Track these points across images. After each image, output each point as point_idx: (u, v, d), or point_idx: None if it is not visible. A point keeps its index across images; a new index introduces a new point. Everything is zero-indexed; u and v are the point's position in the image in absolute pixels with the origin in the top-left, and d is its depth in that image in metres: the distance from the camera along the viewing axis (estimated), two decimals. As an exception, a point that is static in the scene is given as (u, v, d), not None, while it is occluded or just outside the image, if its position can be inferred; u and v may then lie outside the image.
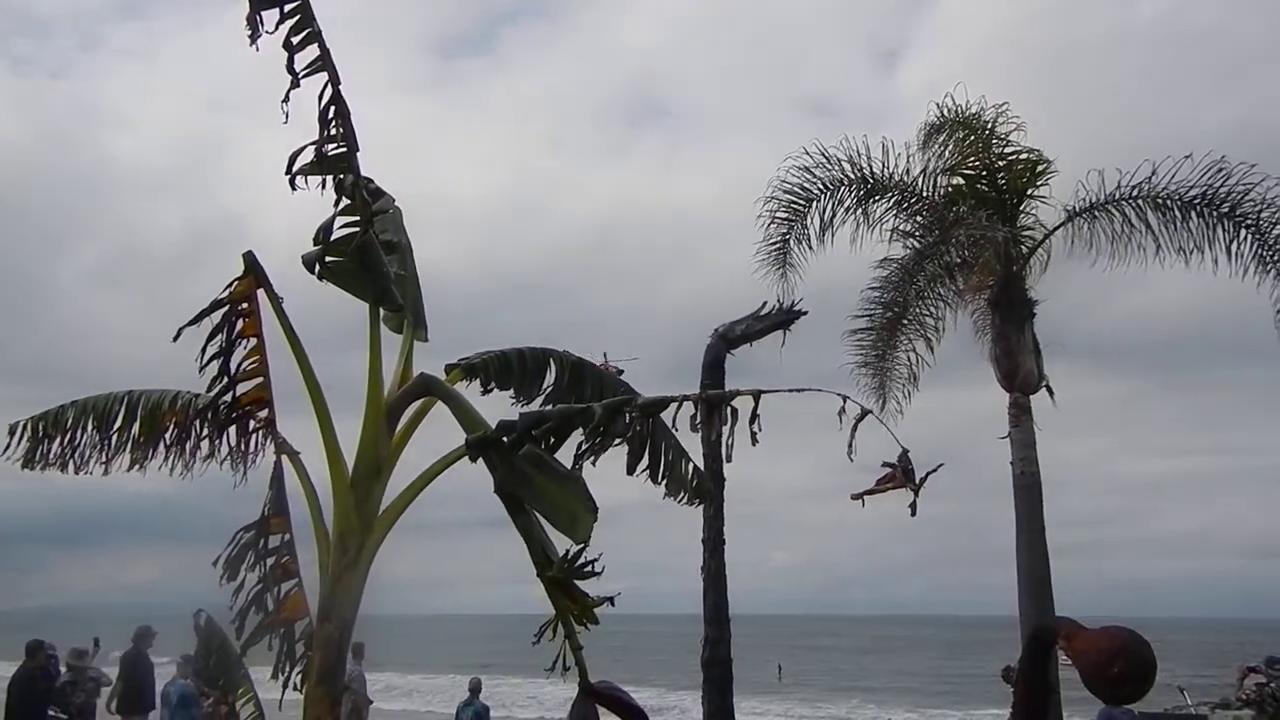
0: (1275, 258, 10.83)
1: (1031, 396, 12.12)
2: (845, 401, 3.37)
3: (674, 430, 4.39)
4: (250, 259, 4.06)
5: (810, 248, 12.19)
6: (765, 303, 9.09)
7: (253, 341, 4.16)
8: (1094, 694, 3.40)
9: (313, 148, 3.52)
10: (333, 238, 3.84)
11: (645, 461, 4.43)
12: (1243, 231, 10.87)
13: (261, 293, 4.15)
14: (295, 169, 3.53)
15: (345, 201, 3.83)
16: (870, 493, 11.32)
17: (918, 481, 10.63)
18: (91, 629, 14.09)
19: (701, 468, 5.17)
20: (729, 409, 3.56)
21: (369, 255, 3.84)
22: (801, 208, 12.27)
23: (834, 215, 12.26)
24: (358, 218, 3.86)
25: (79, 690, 11.77)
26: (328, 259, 3.89)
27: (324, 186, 3.66)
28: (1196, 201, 10.94)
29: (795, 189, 12.18)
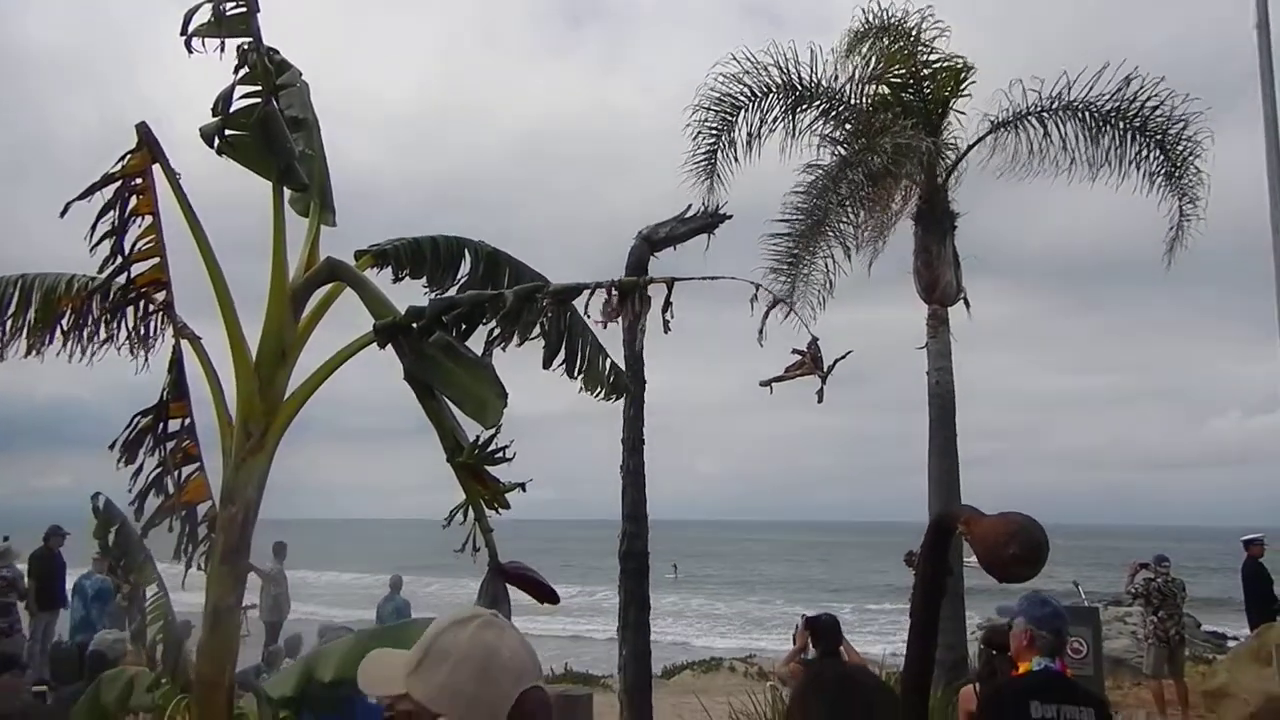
0: (1177, 174, 11.14)
1: (950, 309, 12.40)
2: (758, 289, 3.38)
3: (592, 326, 4.38)
4: (144, 130, 3.84)
5: (737, 159, 12.11)
6: (690, 205, 9.03)
7: (147, 219, 3.97)
8: (990, 575, 3.56)
9: (209, 5, 3.30)
10: (232, 109, 3.64)
11: (562, 355, 4.39)
12: (1151, 145, 11.14)
13: (157, 168, 3.95)
14: (191, 29, 3.32)
15: (246, 71, 3.63)
16: (779, 379, 11.52)
17: (826, 369, 10.84)
18: (4, 531, 13.80)
19: (621, 367, 5.17)
20: (641, 296, 3.54)
21: (272, 129, 3.66)
22: (729, 116, 12.13)
23: (762, 124, 12.16)
24: (259, 87, 3.66)
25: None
26: (227, 132, 3.70)
27: (223, 50, 3.46)
28: (1111, 115, 11.14)
29: (723, 96, 12.02)
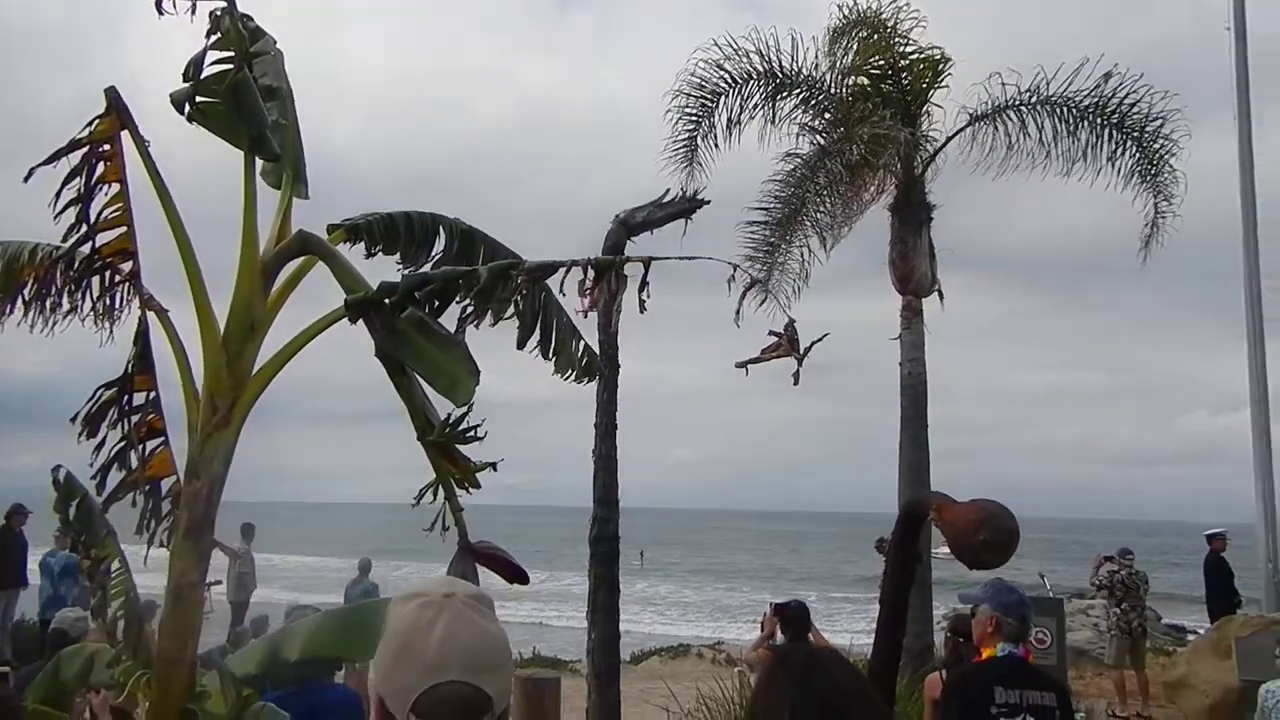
0: (1154, 172, 11.25)
1: (924, 301, 12.47)
2: (735, 270, 3.36)
3: (569, 310, 4.34)
4: (113, 95, 3.74)
5: (717, 145, 12.09)
6: (668, 190, 8.99)
7: (115, 187, 3.86)
8: (961, 561, 3.57)
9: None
10: (204, 75, 3.56)
11: (536, 336, 4.34)
12: (1128, 142, 11.23)
13: (126, 135, 3.85)
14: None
15: (218, 36, 3.55)
16: (755, 361, 11.57)
17: (802, 351, 10.88)
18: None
19: (595, 349, 5.14)
20: (617, 275, 3.50)
21: (244, 96, 3.57)
22: (710, 102, 12.11)
23: (742, 111, 12.15)
24: (232, 53, 3.58)
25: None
26: (198, 99, 3.62)
27: (194, 11, 3.38)
28: (1090, 111, 11.23)
29: (704, 82, 12.00)
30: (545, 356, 4.50)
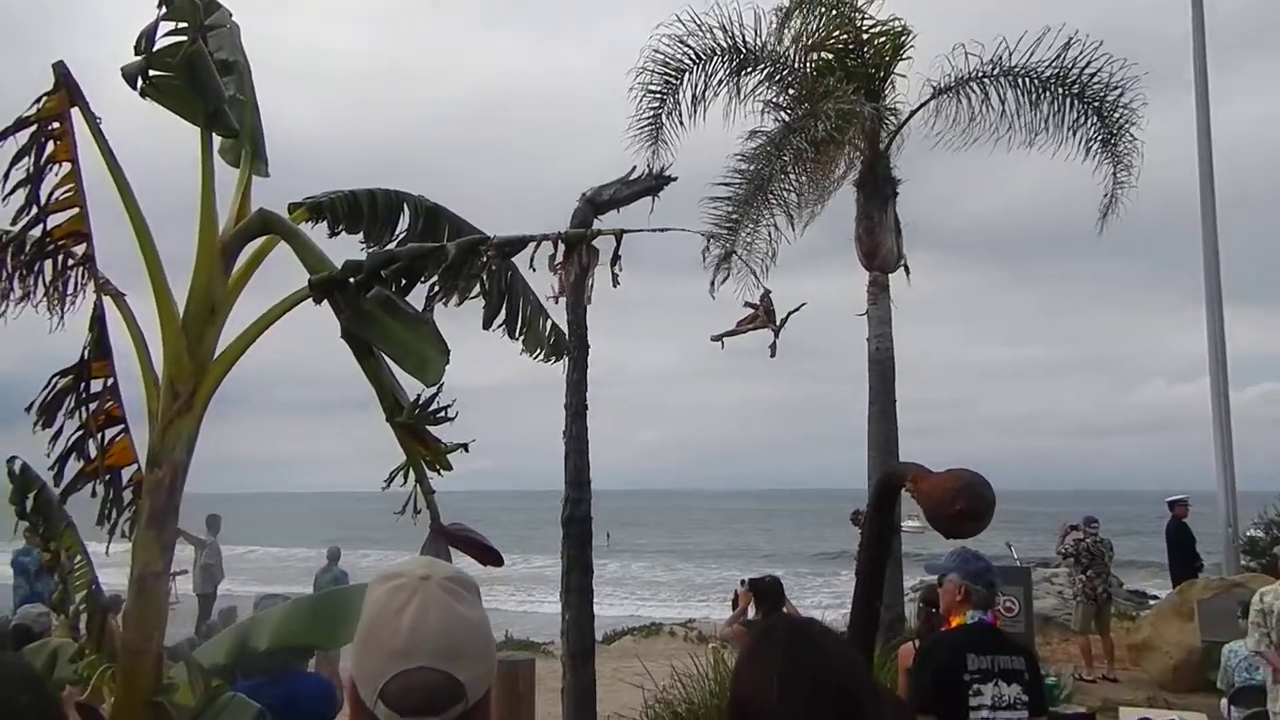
0: (1113, 141, 11.36)
1: (890, 276, 12.51)
2: (709, 241, 3.31)
3: (539, 292, 4.28)
4: (62, 70, 3.60)
5: (682, 123, 12.01)
6: (635, 167, 8.92)
7: (66, 167, 3.73)
8: (937, 530, 3.57)
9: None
10: (156, 47, 3.42)
11: (502, 316, 4.27)
12: (1089, 112, 11.32)
13: (76, 112, 3.71)
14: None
15: (170, 6, 3.42)
16: (731, 333, 11.56)
17: (779, 321, 10.86)
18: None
19: (564, 330, 5.07)
20: (588, 249, 3.44)
21: (199, 70, 3.45)
22: (674, 79, 12.02)
23: (706, 88, 12.08)
24: (186, 24, 3.45)
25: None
26: (151, 73, 3.48)
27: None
28: (1051, 81, 11.29)
29: (668, 59, 11.90)
30: (512, 336, 4.43)
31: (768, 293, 11.11)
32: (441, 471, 3.75)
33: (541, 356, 4.88)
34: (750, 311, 11.37)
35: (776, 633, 1.94)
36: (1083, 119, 11.32)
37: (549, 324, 4.80)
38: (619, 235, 3.42)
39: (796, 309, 11.55)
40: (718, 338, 11.54)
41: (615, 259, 3.46)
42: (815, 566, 42.32)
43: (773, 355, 11.40)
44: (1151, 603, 17.83)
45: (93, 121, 3.63)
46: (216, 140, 3.91)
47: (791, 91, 12.26)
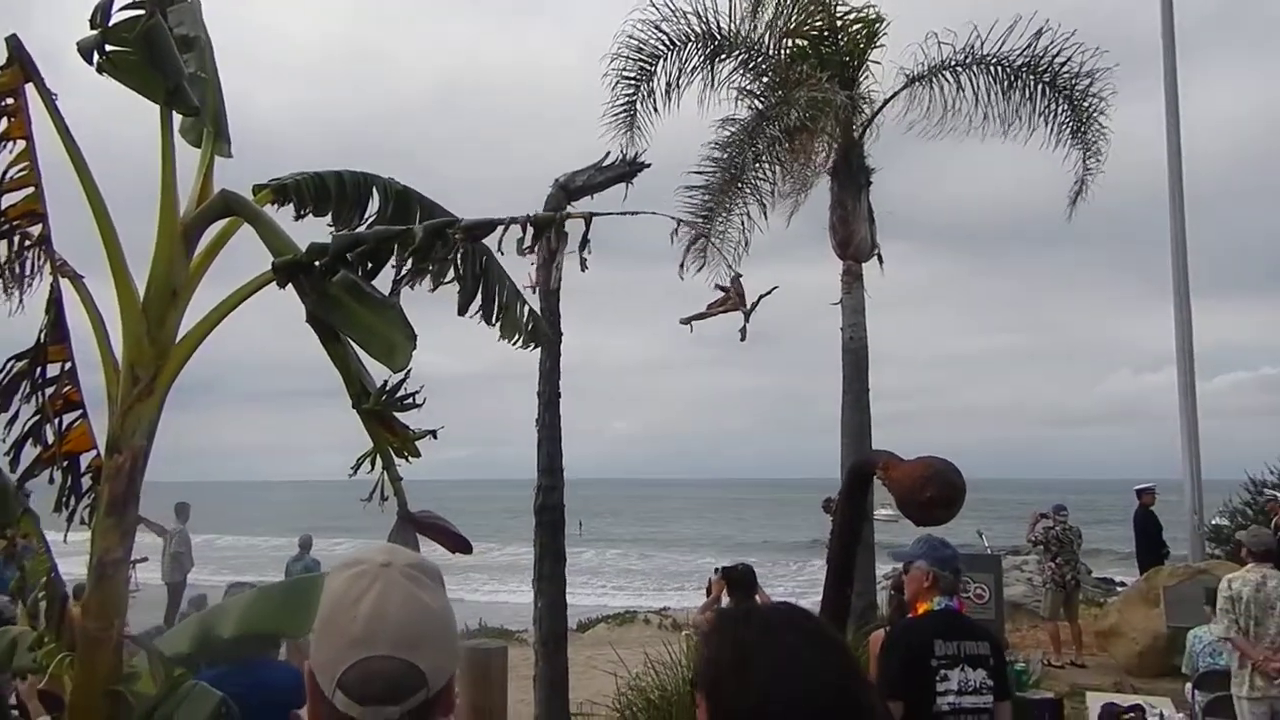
0: (1083, 129, 11.44)
1: (864, 265, 12.53)
2: (679, 224, 3.27)
3: (522, 288, 4.23)
4: (15, 44, 3.49)
5: (656, 109, 11.96)
6: (608, 154, 8.85)
7: (20, 144, 3.63)
8: (908, 517, 3.58)
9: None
10: (113, 21, 3.33)
11: (478, 302, 4.21)
12: (1060, 100, 11.39)
13: (31, 88, 3.61)
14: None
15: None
16: (701, 316, 11.54)
17: (750, 305, 10.83)
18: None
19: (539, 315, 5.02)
20: (558, 232, 3.40)
21: (158, 44, 3.35)
22: (648, 65, 11.95)
23: (680, 75, 12.02)
24: (143, -1, 3.36)
25: None
26: (107, 48, 3.39)
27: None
28: (1023, 70, 11.34)
29: (642, 45, 11.83)
30: (489, 322, 4.37)
31: (739, 276, 11.09)
32: (410, 458, 3.70)
33: (520, 343, 4.81)
34: (721, 295, 11.37)
35: (751, 612, 1.91)
36: (1053, 106, 11.40)
37: (526, 310, 4.74)
38: (588, 219, 3.37)
39: (768, 292, 11.54)
40: (687, 320, 11.52)
41: (584, 243, 3.42)
42: (790, 555, 42.54)
43: (743, 339, 11.41)
44: (1119, 590, 18.04)
45: (48, 98, 3.53)
46: (177, 119, 3.82)
47: (766, 79, 12.24)
